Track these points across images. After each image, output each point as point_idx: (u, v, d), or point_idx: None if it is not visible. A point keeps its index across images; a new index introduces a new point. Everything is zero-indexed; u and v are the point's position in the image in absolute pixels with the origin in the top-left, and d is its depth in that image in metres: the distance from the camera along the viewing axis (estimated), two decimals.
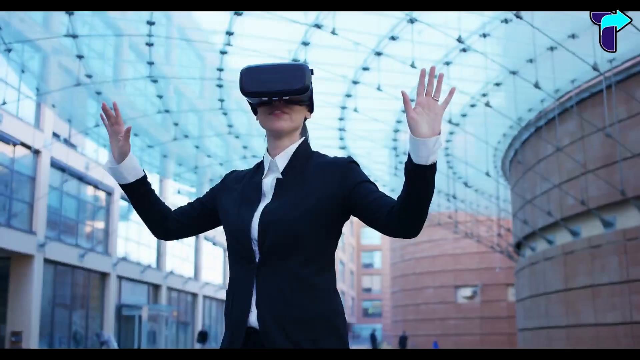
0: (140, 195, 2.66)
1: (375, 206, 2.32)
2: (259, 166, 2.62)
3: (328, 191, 2.42)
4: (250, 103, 2.58)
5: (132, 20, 19.86)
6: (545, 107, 19.92)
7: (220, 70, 19.39)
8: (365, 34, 17.27)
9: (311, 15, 16.42)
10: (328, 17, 16.21)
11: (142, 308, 30.41)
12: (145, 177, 2.66)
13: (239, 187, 2.60)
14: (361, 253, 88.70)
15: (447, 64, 18.03)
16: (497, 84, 19.29)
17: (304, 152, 2.55)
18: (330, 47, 17.45)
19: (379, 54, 17.80)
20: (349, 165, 2.46)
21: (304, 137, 2.62)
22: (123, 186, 2.66)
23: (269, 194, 2.50)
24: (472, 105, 20.77)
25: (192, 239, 40.38)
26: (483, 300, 44.07)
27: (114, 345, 22.97)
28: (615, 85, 16.42)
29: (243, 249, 2.46)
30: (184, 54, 27.17)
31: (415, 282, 47.52)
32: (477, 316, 43.88)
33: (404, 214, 2.21)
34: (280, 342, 2.34)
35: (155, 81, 20.47)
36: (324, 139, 23.54)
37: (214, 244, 43.10)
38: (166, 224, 2.71)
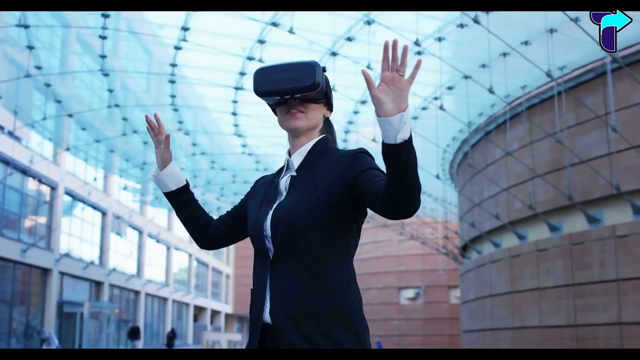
0: (182, 203, 2.76)
1: (374, 190, 2.27)
2: (283, 167, 2.64)
3: (334, 183, 2.40)
4: (269, 104, 2.60)
5: (81, 11, 19.46)
6: (496, 112, 20.21)
7: (174, 65, 19.15)
8: (322, 34, 17.24)
9: (268, 13, 16.33)
10: (285, 16, 16.15)
11: (83, 305, 29.85)
12: (187, 185, 2.77)
13: (263, 189, 2.63)
14: None
15: None
16: (450, 88, 19.48)
17: (320, 148, 2.55)
18: (285, 45, 17.36)
19: (334, 54, 17.80)
20: (355, 156, 2.43)
21: (323, 135, 2.61)
22: (166, 194, 2.75)
23: (284, 192, 2.51)
24: (424, 108, 20.94)
25: (135, 235, 39.88)
26: (426, 301, 44.59)
27: (55, 342, 22.51)
28: (565, 92, 16.78)
29: (259, 247, 2.48)
30: (130, 48, 26.76)
31: (359, 282, 47.02)
32: (419, 317, 44.38)
33: (392, 195, 2.15)
34: (291, 337, 2.31)
35: (106, 75, 20.09)
36: (275, 137, 23.45)
37: (157, 241, 42.66)
38: (207, 232, 2.79)
